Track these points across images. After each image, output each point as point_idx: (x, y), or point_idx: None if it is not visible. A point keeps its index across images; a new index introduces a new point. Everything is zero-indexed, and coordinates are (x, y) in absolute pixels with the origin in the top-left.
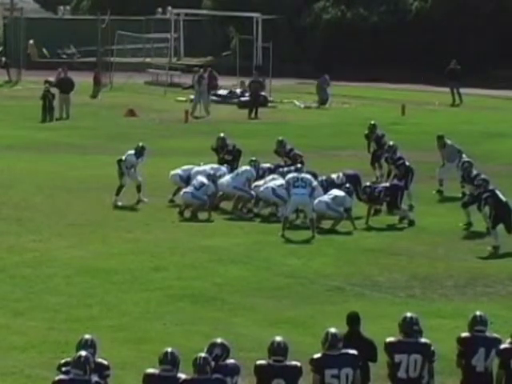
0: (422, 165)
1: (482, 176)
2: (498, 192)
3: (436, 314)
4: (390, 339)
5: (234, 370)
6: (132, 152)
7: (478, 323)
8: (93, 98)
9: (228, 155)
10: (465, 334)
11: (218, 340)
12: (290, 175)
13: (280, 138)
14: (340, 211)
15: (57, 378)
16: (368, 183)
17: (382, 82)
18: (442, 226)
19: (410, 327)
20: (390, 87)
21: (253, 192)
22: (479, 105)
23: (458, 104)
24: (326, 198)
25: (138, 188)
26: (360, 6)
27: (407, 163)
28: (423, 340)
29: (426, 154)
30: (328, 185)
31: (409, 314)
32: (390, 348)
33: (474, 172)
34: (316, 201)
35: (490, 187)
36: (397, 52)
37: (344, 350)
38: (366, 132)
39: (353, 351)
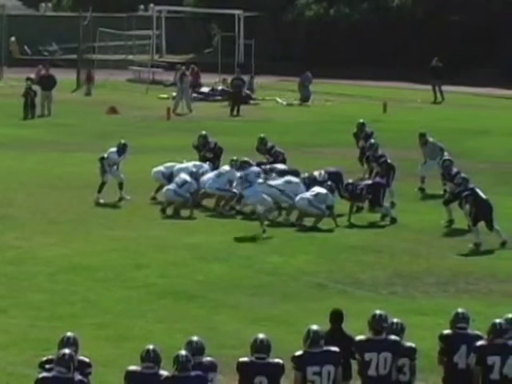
0: (403, 162)
1: (462, 174)
2: (478, 190)
3: (418, 311)
4: (359, 338)
5: (210, 367)
6: (114, 149)
7: (459, 320)
8: (86, 95)
9: (209, 153)
10: (447, 331)
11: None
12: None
13: (261, 136)
14: (322, 208)
15: (40, 375)
16: (350, 180)
17: (363, 79)
18: (423, 223)
19: (379, 324)
20: (372, 84)
21: (235, 190)
22: (461, 102)
23: (439, 101)
24: (308, 195)
25: (120, 185)
26: (342, 4)
27: (389, 161)
28: (393, 337)
29: (408, 151)
30: (310, 182)
31: (378, 312)
32: (360, 346)
33: (454, 170)
34: (298, 198)
35: (470, 185)
36: (379, 49)
37: (326, 348)
38: (355, 130)
39: (334, 348)
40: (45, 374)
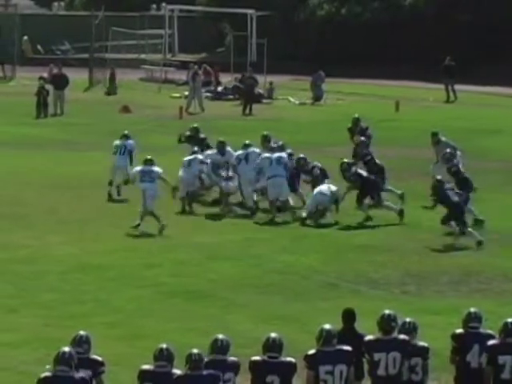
0: (415, 161)
1: (438, 177)
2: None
3: (430, 310)
4: (368, 337)
5: (231, 367)
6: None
7: (472, 320)
8: (108, 95)
9: (196, 146)
10: (459, 331)
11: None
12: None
13: (264, 133)
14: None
15: (41, 375)
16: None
17: (376, 78)
18: (436, 222)
19: (388, 324)
20: (385, 83)
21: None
22: (474, 101)
23: (452, 100)
24: (327, 191)
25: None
26: (354, 3)
27: (378, 161)
28: (402, 337)
29: (420, 150)
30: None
31: (387, 311)
32: (369, 347)
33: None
34: (319, 193)
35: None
36: (391, 48)
37: (338, 347)
38: (350, 125)
39: (347, 347)
40: (46, 374)
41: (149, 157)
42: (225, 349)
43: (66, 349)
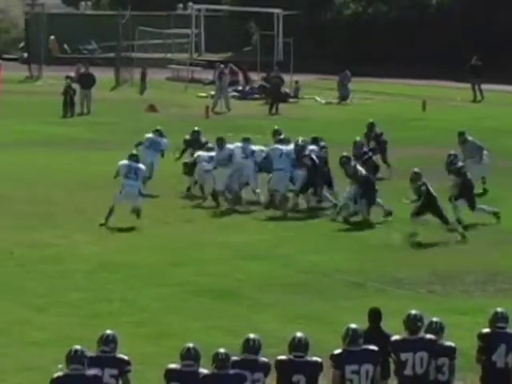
0: (442, 161)
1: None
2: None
3: (456, 310)
4: (395, 338)
5: (261, 368)
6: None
7: (499, 320)
8: (141, 94)
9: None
10: (486, 330)
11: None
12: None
13: (276, 128)
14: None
15: (54, 375)
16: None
17: (402, 77)
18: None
19: (414, 324)
20: (411, 83)
21: None
22: (500, 101)
23: (479, 100)
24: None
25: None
26: (380, 2)
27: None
28: (428, 336)
29: (447, 150)
30: None
31: (413, 311)
32: (396, 346)
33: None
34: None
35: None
36: (417, 47)
37: (364, 346)
38: (365, 131)
39: (373, 347)
40: (58, 374)
41: (134, 152)
42: (256, 349)
43: (77, 347)
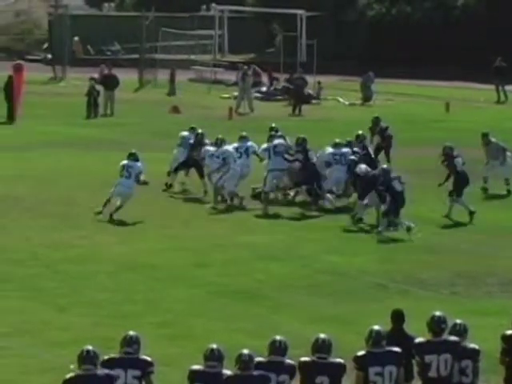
0: (465, 162)
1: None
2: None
3: (480, 311)
4: (419, 340)
5: (287, 370)
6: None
7: None
8: (169, 95)
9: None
10: (509, 332)
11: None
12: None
13: (272, 125)
14: None
15: (67, 376)
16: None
17: (426, 79)
18: (486, 223)
19: (438, 326)
20: (435, 84)
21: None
22: None
23: (503, 101)
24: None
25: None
26: (404, 3)
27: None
28: (452, 338)
29: (471, 151)
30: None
31: (437, 313)
32: (420, 349)
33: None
34: None
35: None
36: (441, 49)
37: (388, 348)
38: (370, 125)
39: (397, 349)
40: (70, 375)
41: (133, 151)
42: (283, 350)
43: (90, 347)
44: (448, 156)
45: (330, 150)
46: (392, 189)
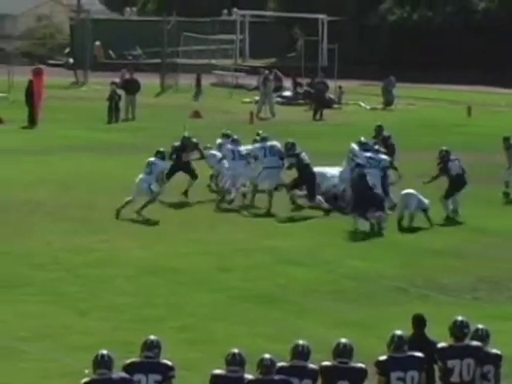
0: (486, 166)
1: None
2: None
3: (502, 316)
4: (441, 345)
5: (310, 375)
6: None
7: None
8: (195, 99)
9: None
10: None
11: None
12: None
13: (259, 131)
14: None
15: (82, 381)
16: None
17: (447, 83)
18: (507, 228)
19: (461, 331)
20: (456, 89)
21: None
22: None
23: None
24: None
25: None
26: (425, 7)
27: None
28: (475, 343)
29: (492, 155)
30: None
31: (459, 318)
32: (442, 354)
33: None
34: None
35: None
36: (462, 53)
37: (410, 353)
38: (374, 134)
39: (419, 354)
40: (85, 380)
41: (161, 149)
42: (306, 355)
43: (104, 351)
44: (443, 159)
45: (365, 154)
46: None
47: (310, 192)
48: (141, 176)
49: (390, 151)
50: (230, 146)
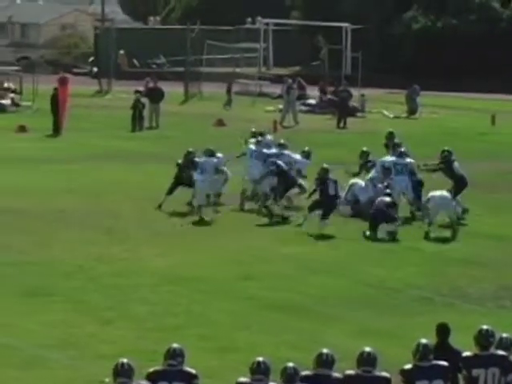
0: (510, 174)
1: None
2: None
3: None
4: (466, 354)
5: (333, 383)
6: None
7: None
8: (225, 106)
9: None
10: None
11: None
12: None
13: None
14: None
15: None
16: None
17: (471, 91)
18: None
19: (486, 340)
20: (480, 97)
21: None
22: None
23: None
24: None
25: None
26: (450, 15)
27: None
28: (500, 352)
29: None
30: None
31: (484, 327)
32: (468, 363)
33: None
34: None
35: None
36: (487, 61)
37: (435, 362)
38: (385, 141)
39: (444, 363)
40: None
41: (210, 147)
42: (330, 363)
43: (124, 360)
44: (445, 159)
45: (391, 158)
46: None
47: (325, 213)
48: (196, 176)
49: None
50: (253, 147)
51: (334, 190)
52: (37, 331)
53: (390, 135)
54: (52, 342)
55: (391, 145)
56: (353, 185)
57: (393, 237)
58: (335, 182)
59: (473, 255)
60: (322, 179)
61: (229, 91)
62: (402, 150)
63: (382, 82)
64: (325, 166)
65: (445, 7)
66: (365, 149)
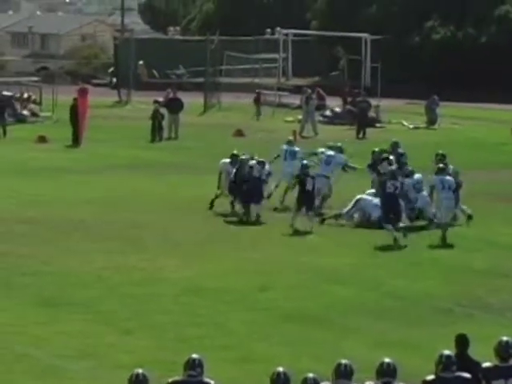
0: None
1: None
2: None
3: None
4: (486, 365)
5: None
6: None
7: None
8: (256, 116)
9: None
10: None
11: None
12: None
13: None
14: None
15: None
16: None
17: (491, 102)
18: None
19: (506, 351)
20: (500, 108)
21: None
22: None
23: None
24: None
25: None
26: (470, 26)
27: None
28: None
29: None
30: None
31: (504, 338)
32: (488, 374)
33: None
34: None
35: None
36: (507, 72)
37: (458, 373)
38: (389, 150)
39: (467, 374)
40: None
41: (290, 138)
42: (349, 374)
43: (140, 371)
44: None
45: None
46: None
47: (308, 208)
48: (284, 163)
49: (401, 168)
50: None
51: (312, 186)
52: (55, 341)
53: (395, 145)
54: (71, 352)
55: (395, 154)
56: (360, 200)
57: (403, 233)
58: (313, 177)
59: (493, 265)
60: (301, 176)
61: (257, 101)
62: (406, 161)
63: (401, 93)
64: (304, 162)
65: (464, 18)
66: (440, 151)
